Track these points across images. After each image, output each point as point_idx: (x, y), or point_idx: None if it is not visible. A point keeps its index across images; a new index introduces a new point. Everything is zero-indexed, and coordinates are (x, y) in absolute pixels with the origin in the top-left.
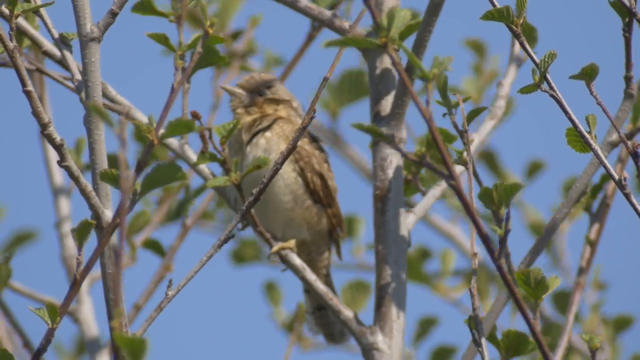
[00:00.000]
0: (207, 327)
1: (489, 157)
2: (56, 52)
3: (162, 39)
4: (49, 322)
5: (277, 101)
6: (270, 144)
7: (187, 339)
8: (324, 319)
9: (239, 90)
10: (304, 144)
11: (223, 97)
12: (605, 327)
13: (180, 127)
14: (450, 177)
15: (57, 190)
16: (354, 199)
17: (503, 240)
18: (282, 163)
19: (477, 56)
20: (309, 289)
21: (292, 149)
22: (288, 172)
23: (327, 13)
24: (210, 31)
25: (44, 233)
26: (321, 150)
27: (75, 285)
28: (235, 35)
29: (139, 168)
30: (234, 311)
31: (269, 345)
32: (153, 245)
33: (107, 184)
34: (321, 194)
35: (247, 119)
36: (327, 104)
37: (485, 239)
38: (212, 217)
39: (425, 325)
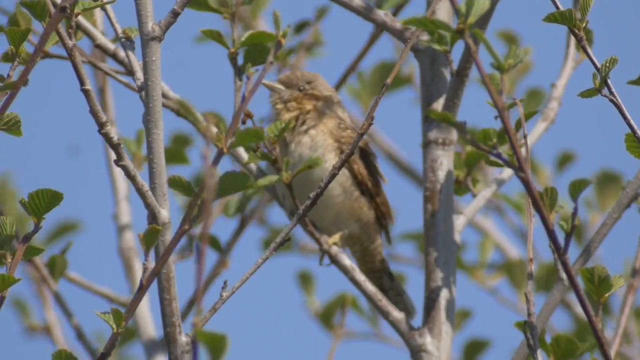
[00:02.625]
0: (239, 314)
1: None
2: (109, 46)
3: (215, 36)
4: (114, 326)
5: (316, 97)
6: (316, 141)
7: (218, 326)
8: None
9: (278, 86)
10: (348, 135)
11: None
12: (638, 320)
13: (250, 136)
14: (520, 169)
15: (116, 182)
16: (386, 189)
17: (569, 235)
18: (339, 168)
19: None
20: (358, 289)
21: (349, 154)
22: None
23: (380, 13)
24: (282, 41)
25: (102, 224)
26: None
27: (140, 290)
28: (302, 26)
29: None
30: (266, 299)
31: (301, 333)
32: (210, 241)
33: (176, 191)
34: (369, 184)
35: (286, 115)
36: (359, 94)
37: (551, 234)
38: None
39: (460, 318)
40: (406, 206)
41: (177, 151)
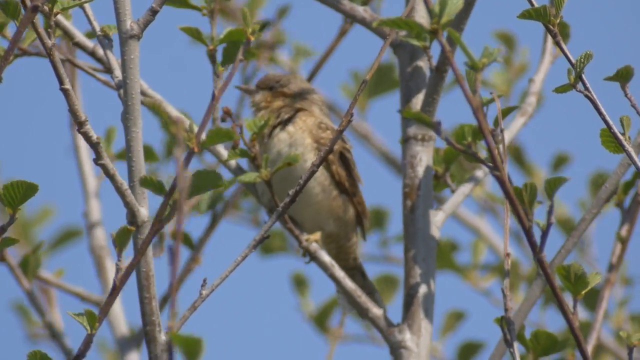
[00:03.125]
0: (233, 317)
1: (515, 151)
2: (88, 43)
3: (194, 33)
4: (88, 328)
5: (284, 94)
6: (295, 138)
7: (212, 330)
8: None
9: (250, 88)
10: (327, 136)
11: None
12: (632, 323)
13: (221, 136)
14: (495, 168)
15: (86, 180)
16: (382, 191)
17: (545, 234)
18: (318, 165)
19: (507, 49)
20: (337, 286)
21: (329, 151)
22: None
23: (359, 9)
24: (252, 38)
25: (72, 222)
26: (342, 140)
27: (114, 291)
28: (263, 26)
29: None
30: (260, 302)
31: (295, 336)
32: (182, 238)
33: (148, 190)
34: (347, 185)
35: (259, 113)
36: (353, 94)
37: (528, 232)
38: (238, 208)
39: (453, 319)
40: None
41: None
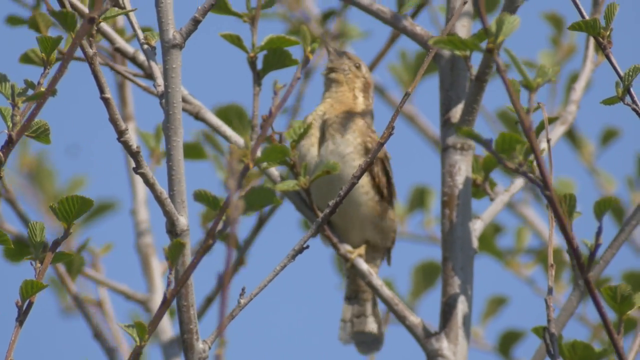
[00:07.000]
0: (274, 294)
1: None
2: (129, 49)
3: (234, 40)
4: (137, 339)
5: (367, 82)
6: (347, 138)
7: (254, 308)
8: (362, 325)
9: (340, 50)
10: (372, 139)
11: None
12: None
13: (275, 153)
14: (546, 188)
15: (135, 179)
16: (426, 172)
17: (592, 254)
18: (359, 177)
19: (555, 30)
20: (375, 294)
21: (369, 163)
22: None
23: (401, 19)
24: (310, 57)
25: (120, 218)
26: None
27: (164, 304)
28: (328, 15)
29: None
30: (303, 280)
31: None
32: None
33: (203, 204)
34: (385, 192)
35: (334, 80)
36: (400, 74)
37: (575, 252)
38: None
39: (495, 304)
40: None
41: (195, 146)
